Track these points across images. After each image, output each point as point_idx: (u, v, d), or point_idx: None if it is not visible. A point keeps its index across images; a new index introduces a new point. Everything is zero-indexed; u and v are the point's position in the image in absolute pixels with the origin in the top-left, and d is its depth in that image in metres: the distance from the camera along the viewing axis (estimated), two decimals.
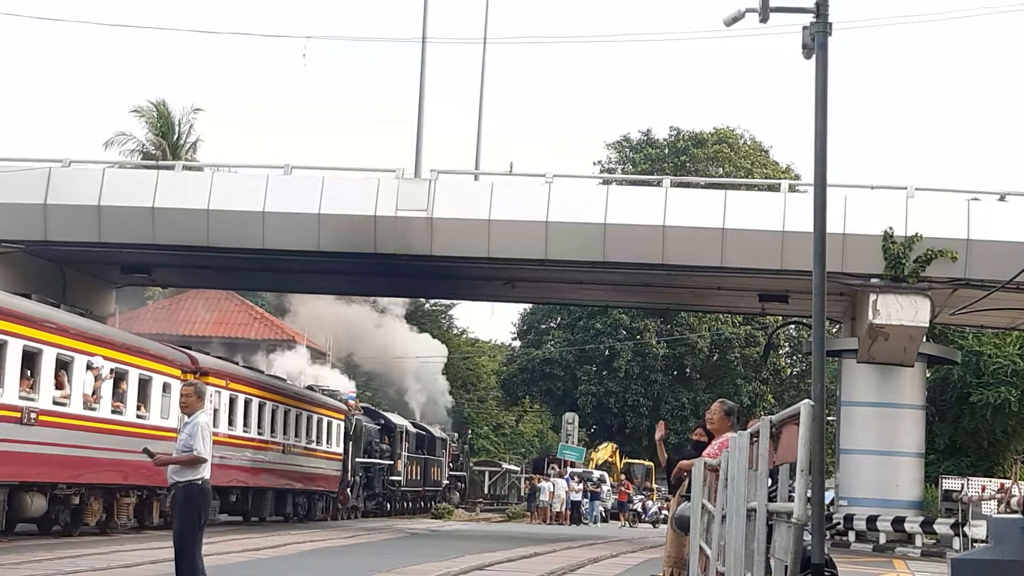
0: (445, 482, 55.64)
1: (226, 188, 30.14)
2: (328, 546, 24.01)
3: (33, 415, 20.90)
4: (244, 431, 31.12)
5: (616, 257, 29.31)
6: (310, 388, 40.07)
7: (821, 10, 13.82)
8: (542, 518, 46.84)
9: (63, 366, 22.08)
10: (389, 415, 48.00)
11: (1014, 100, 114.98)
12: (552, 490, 47.32)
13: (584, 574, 19.82)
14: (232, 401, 30.37)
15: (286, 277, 37.42)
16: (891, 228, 28.46)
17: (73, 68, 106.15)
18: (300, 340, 50.66)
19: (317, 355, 51.55)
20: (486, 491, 67.38)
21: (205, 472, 11.67)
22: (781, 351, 64.21)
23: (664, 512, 42.97)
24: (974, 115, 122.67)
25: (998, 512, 25.23)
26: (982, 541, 23.75)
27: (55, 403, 21.71)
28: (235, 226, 29.66)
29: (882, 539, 29.19)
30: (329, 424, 38.75)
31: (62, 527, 22.99)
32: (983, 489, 29.77)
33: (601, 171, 64.35)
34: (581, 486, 49.65)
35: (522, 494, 62.50)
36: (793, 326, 54.05)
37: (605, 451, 61.09)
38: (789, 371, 66.50)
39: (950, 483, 32.10)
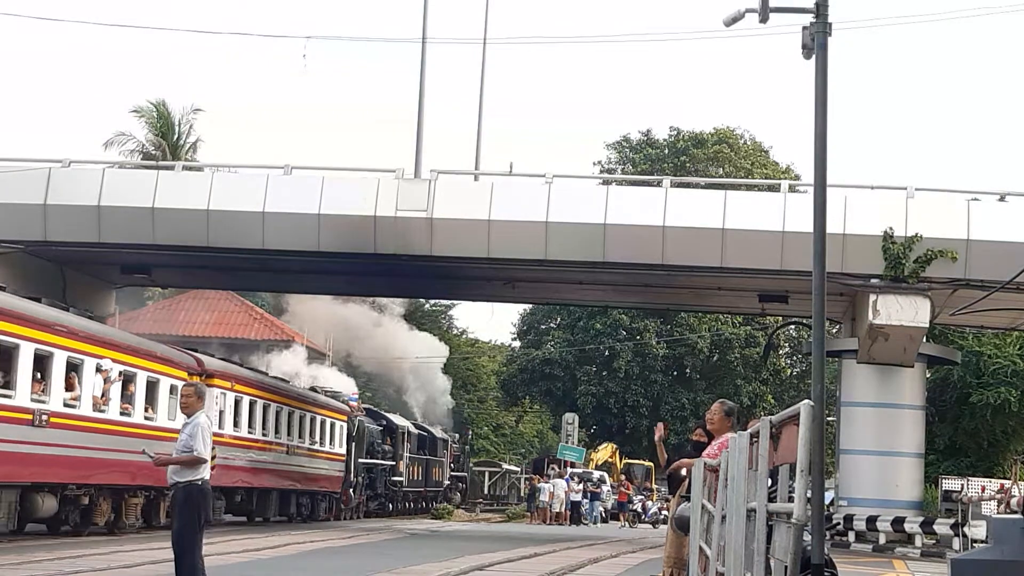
0: (446, 482, 55.74)
1: (226, 188, 30.14)
2: (328, 546, 24.01)
3: (44, 417, 21.22)
4: (249, 432, 31.34)
5: (616, 257, 29.31)
6: (313, 389, 40.20)
7: (821, 10, 13.82)
8: (542, 518, 46.83)
9: (73, 368, 22.41)
10: (391, 416, 48.13)
11: (1014, 100, 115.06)
12: (552, 490, 47.32)
13: (584, 574, 19.82)
14: (237, 403, 30.62)
15: (286, 277, 37.42)
16: (891, 228, 28.46)
17: (73, 68, 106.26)
18: (300, 340, 50.65)
19: (317, 355, 51.53)
20: (486, 491, 67.39)
21: (205, 472, 11.68)
22: (781, 351, 64.21)
23: (664, 512, 42.97)
24: (974, 115, 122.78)
25: (998, 512, 25.23)
26: (982, 541, 23.75)
27: (65, 405, 22.06)
28: (235, 226, 29.65)
29: (882, 539, 29.19)
30: (332, 425, 38.92)
31: (71, 527, 23.27)
32: (983, 489, 29.78)
33: (601, 171, 64.36)
34: (581, 486, 49.63)
35: (522, 494, 62.50)
36: (793, 326, 54.05)
37: (605, 451, 61.06)
38: (789, 371, 66.50)
39: (950, 483, 32.11)
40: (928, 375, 33.81)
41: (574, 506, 48.35)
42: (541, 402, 70.35)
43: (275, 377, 36.93)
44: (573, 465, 53.65)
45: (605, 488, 52.51)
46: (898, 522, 28.60)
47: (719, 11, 17.32)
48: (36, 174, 29.81)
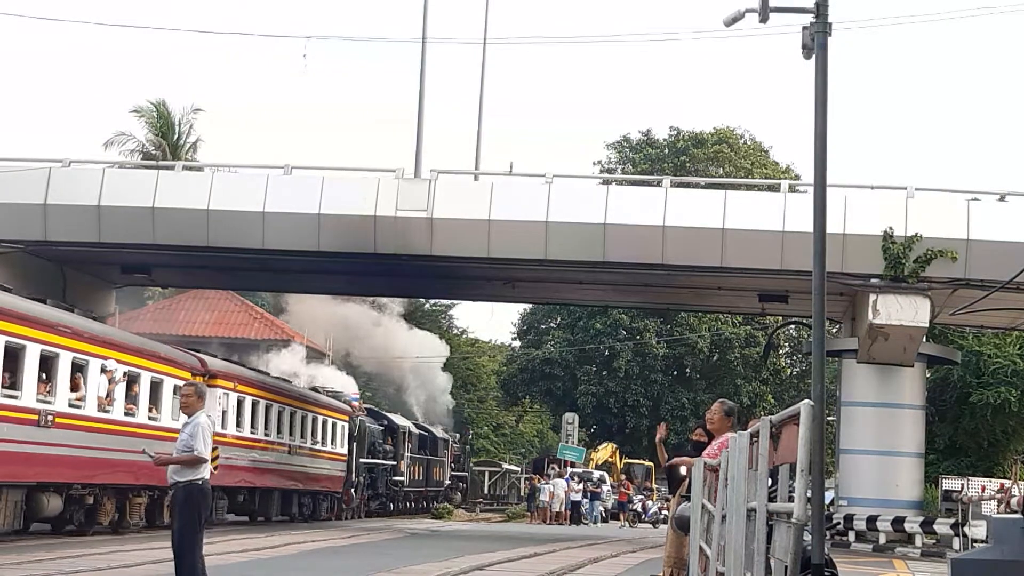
0: (447, 482, 55.81)
1: (226, 188, 30.14)
2: (328, 546, 24.01)
3: (50, 418, 21.41)
4: (251, 432, 31.52)
5: (616, 257, 29.31)
6: (315, 389, 40.30)
7: (821, 10, 13.82)
8: (542, 518, 46.83)
9: (78, 369, 22.62)
10: (392, 416, 48.24)
11: (1014, 100, 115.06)
12: (552, 490, 47.33)
13: (584, 574, 19.82)
14: (240, 403, 30.79)
15: (286, 277, 37.42)
16: (891, 228, 28.46)
17: (73, 68, 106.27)
18: (300, 340, 50.66)
19: (316, 355, 51.53)
20: (486, 491, 67.41)
21: (205, 472, 11.69)
22: (781, 351, 64.20)
23: (664, 512, 42.98)
24: (974, 115, 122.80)
25: (998, 512, 25.23)
26: (982, 541, 23.75)
27: (71, 406, 22.27)
28: (235, 226, 29.66)
29: (882, 539, 29.19)
30: (334, 425, 39.04)
31: (76, 527, 23.45)
32: (983, 489, 29.78)
33: (601, 171, 64.35)
34: (581, 486, 49.63)
35: (522, 494, 62.50)
36: (793, 326, 54.04)
37: (605, 451, 61.06)
38: (789, 371, 66.49)
39: (950, 483, 32.11)
40: (928, 375, 33.82)
41: (574, 506, 48.35)
42: (541, 402, 70.35)
43: (277, 377, 37.02)
44: (573, 465, 53.64)
45: (605, 488, 52.51)
46: (898, 522, 28.61)
47: (719, 11, 17.34)
48: (36, 174, 29.82)
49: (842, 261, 27.59)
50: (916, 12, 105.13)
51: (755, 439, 7.42)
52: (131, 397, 24.77)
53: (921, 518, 28.86)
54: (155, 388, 25.82)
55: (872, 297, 28.51)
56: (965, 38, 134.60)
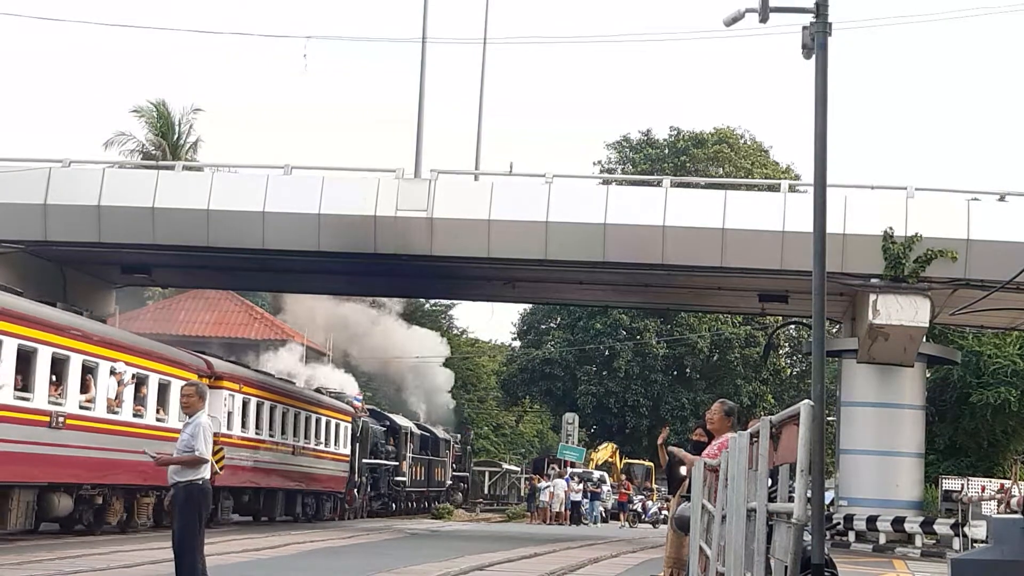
0: (448, 483, 55.85)
1: (226, 188, 30.14)
2: (328, 546, 24.01)
3: (61, 419, 21.75)
4: (256, 433, 31.70)
5: (616, 257, 29.31)
6: (318, 390, 40.40)
7: (821, 10, 13.82)
8: (542, 518, 46.84)
9: (88, 371, 22.96)
10: (394, 417, 48.36)
11: (1014, 100, 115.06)
12: (552, 490, 47.32)
13: (584, 574, 19.82)
14: (245, 404, 31.01)
15: (286, 277, 37.41)
16: (891, 228, 28.46)
17: (73, 68, 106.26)
18: (300, 340, 50.66)
19: (316, 354, 51.52)
20: (486, 491, 67.43)
21: (206, 472, 11.69)
22: (781, 351, 64.20)
23: (664, 512, 42.97)
24: (974, 115, 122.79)
25: (998, 512, 25.24)
26: (982, 541, 23.75)
27: (81, 407, 22.62)
28: (235, 226, 29.66)
29: (882, 539, 29.19)
30: (337, 426, 39.20)
31: (85, 526, 23.74)
32: (983, 489, 29.78)
33: (601, 171, 64.33)
34: (581, 486, 49.63)
35: (522, 494, 62.50)
36: (793, 326, 54.04)
37: (605, 451, 61.05)
38: (789, 371, 66.48)
39: (950, 483, 32.11)
40: (928, 375, 33.81)
41: (574, 506, 48.35)
42: (541, 402, 70.34)
43: (281, 379, 37.16)
44: (573, 465, 53.64)
45: (605, 488, 52.51)
46: (898, 522, 28.60)
47: (719, 11, 17.34)
48: (36, 174, 29.82)
49: (842, 261, 27.59)
50: (916, 12, 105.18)
51: (755, 439, 7.42)
52: (139, 399, 25.15)
53: (921, 518, 28.86)
54: (163, 390, 26.14)
55: (872, 297, 28.50)
56: (965, 38, 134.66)
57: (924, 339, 30.63)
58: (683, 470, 13.28)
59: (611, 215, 29.03)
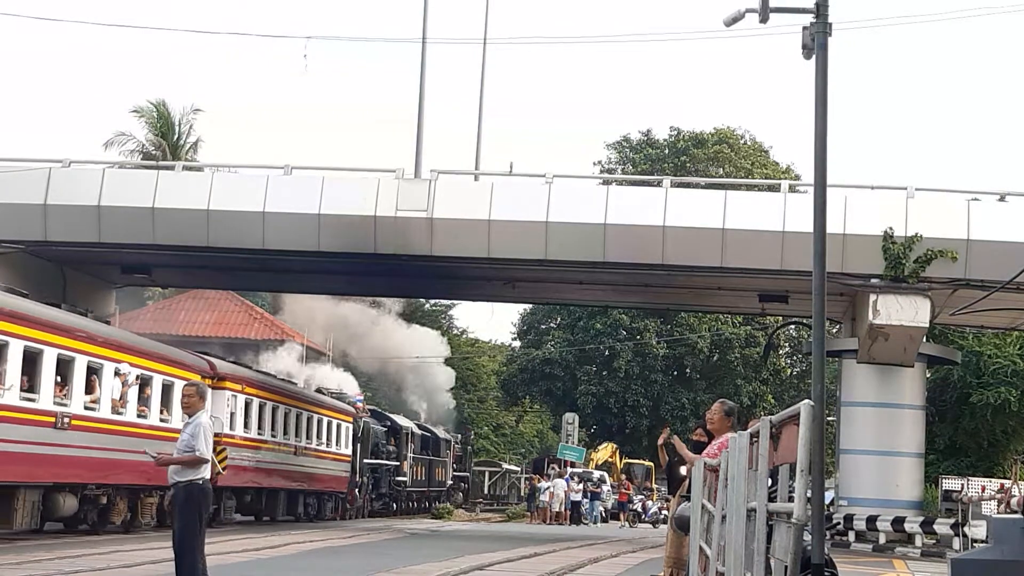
0: (449, 483, 55.87)
1: (226, 188, 30.13)
2: (328, 546, 24.01)
3: (66, 420, 21.94)
4: (258, 434, 31.82)
5: (616, 257, 29.30)
6: (319, 391, 40.44)
7: (821, 10, 13.82)
8: (542, 518, 46.84)
9: (93, 372, 23.16)
10: (395, 417, 48.42)
11: (1014, 100, 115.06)
12: (552, 490, 47.33)
13: (584, 574, 19.82)
14: (247, 405, 31.15)
15: (286, 277, 37.41)
16: (891, 228, 28.46)
17: (73, 68, 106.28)
18: (300, 340, 50.66)
19: (316, 354, 51.51)
20: (486, 491, 67.44)
21: (206, 472, 11.68)
22: (781, 351, 64.19)
23: (664, 512, 42.97)
24: (974, 115, 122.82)
25: (998, 512, 25.23)
26: (982, 541, 23.74)
27: (86, 408, 22.81)
28: (235, 226, 29.66)
29: (882, 539, 29.18)
30: (338, 427, 39.33)
31: (89, 526, 23.91)
32: (983, 489, 29.78)
33: (601, 171, 64.32)
34: (581, 486, 49.64)
35: (522, 494, 62.50)
36: (793, 326, 54.03)
37: (605, 451, 61.06)
38: (789, 371, 66.48)
39: (950, 483, 32.10)
40: (928, 375, 33.80)
41: (574, 506, 48.35)
42: (541, 402, 70.34)
43: (283, 379, 37.21)
44: (573, 465, 53.64)
45: (605, 488, 52.52)
46: (898, 522, 28.60)
47: (719, 11, 17.33)
48: (36, 174, 29.81)
49: (842, 261, 27.58)
50: (917, 12, 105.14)
51: (755, 439, 7.43)
52: (143, 399, 25.32)
53: (921, 518, 28.86)
54: (166, 391, 26.28)
55: (872, 297, 28.50)
56: (966, 38, 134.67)
57: (924, 339, 30.63)
58: (683, 470, 13.29)
59: (611, 215, 29.03)
